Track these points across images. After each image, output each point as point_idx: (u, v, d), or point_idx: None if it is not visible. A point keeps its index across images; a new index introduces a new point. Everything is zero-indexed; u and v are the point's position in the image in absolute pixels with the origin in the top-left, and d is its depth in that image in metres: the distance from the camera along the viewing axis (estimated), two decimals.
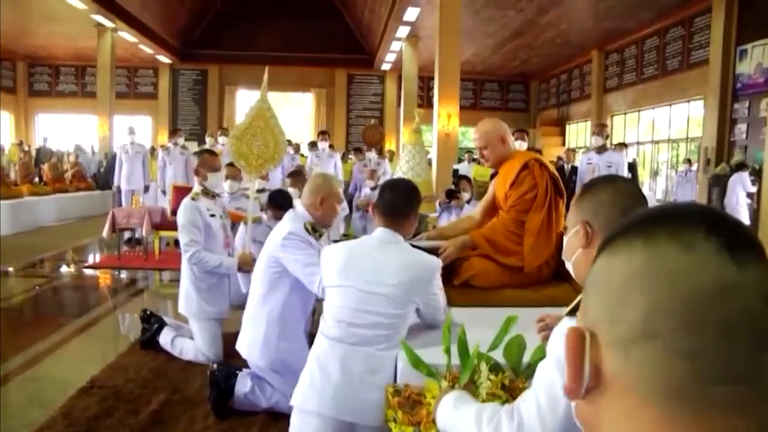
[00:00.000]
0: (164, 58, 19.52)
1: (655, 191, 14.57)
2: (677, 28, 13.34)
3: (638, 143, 15.61)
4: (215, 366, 3.31)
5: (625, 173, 6.47)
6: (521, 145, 6.62)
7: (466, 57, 18.06)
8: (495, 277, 2.93)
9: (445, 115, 12.02)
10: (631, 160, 8.83)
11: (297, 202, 3.48)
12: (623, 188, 1.44)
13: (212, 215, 4.03)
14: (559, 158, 12.55)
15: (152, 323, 4.35)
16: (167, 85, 20.70)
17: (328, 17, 19.64)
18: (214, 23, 19.97)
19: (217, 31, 19.84)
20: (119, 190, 9.44)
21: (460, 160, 14.14)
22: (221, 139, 9.83)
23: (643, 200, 1.46)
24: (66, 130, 19.92)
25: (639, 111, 15.37)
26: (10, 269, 7.38)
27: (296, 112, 21.99)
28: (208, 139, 10.36)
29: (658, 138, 14.97)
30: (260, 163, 5.11)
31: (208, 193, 4.12)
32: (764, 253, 0.54)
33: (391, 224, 2.29)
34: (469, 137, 22.83)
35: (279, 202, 4.80)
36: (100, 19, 14.62)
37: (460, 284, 2.90)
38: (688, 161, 12.17)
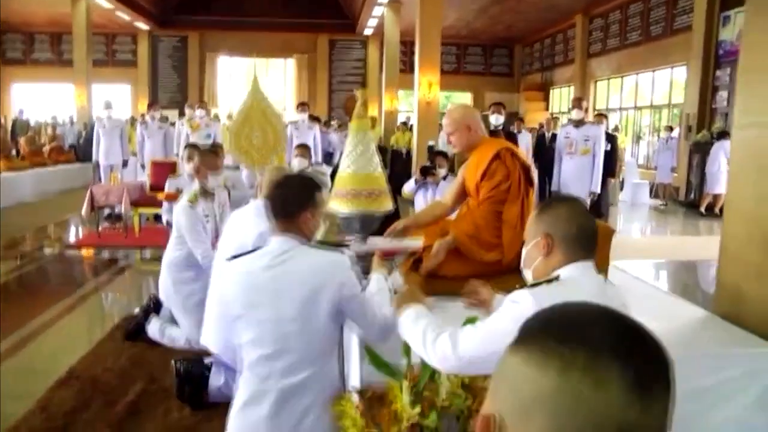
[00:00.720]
0: (143, 25, 19.06)
1: (637, 157, 14.63)
2: None
3: (621, 109, 15.61)
4: (179, 362, 3.31)
5: (602, 146, 6.47)
6: (497, 119, 6.60)
7: (449, 21, 17.81)
8: (457, 270, 2.94)
9: (426, 83, 11.95)
10: (611, 131, 8.82)
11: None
12: (579, 207, 1.65)
13: (206, 216, 4.05)
14: (541, 125, 12.54)
15: (149, 310, 4.35)
16: (146, 52, 20.28)
17: None
18: None
19: None
20: (98, 165, 9.34)
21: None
22: (198, 112, 9.70)
23: (593, 219, 1.65)
24: (43, 100, 19.49)
25: (622, 76, 15.32)
26: None
27: (279, 77, 21.67)
28: (187, 111, 10.20)
29: (640, 104, 14.97)
30: (263, 155, 5.08)
31: (206, 193, 4.11)
32: (670, 382, 0.59)
33: (287, 227, 1.99)
34: (452, 102, 22.71)
35: None
36: None
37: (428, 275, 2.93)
38: (670, 128, 12.19)
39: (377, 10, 16.54)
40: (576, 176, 6.51)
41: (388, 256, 2.64)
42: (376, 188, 2.85)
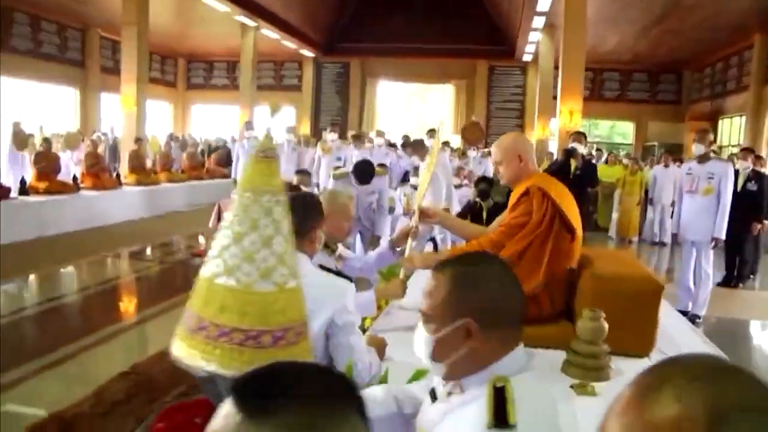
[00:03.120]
0: (308, 52, 20.49)
1: None
2: None
3: None
4: None
5: (730, 185, 5.70)
6: (578, 147, 6.16)
7: (610, 46, 16.96)
8: None
9: (567, 111, 11.42)
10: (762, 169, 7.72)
11: None
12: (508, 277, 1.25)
13: None
14: None
15: None
16: (311, 77, 21.68)
17: (468, 8, 19.44)
18: (355, 17, 20.61)
19: (358, 25, 20.46)
20: (235, 183, 10.12)
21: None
22: (330, 136, 10.17)
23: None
24: (216, 120, 21.75)
25: None
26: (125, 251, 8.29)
27: (437, 103, 22.04)
28: (324, 134, 10.77)
29: None
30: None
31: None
32: None
33: (296, 244, 2.15)
34: (594, 132, 21.37)
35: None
36: (243, 19, 15.76)
37: None
38: None
39: (533, 36, 16.26)
40: (697, 218, 5.81)
41: None
42: None
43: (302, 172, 5.98)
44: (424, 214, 3.00)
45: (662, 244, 10.20)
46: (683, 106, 19.02)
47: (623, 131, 21.03)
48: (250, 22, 16.19)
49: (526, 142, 3.04)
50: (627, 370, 2.41)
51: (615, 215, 10.76)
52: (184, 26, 18.30)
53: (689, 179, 5.93)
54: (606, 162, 12.22)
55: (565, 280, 2.76)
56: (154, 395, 3.70)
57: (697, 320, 5.98)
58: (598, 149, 13.59)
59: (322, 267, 2.24)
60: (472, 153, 10.65)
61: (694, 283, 6.02)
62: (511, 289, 1.22)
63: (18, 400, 3.68)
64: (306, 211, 2.13)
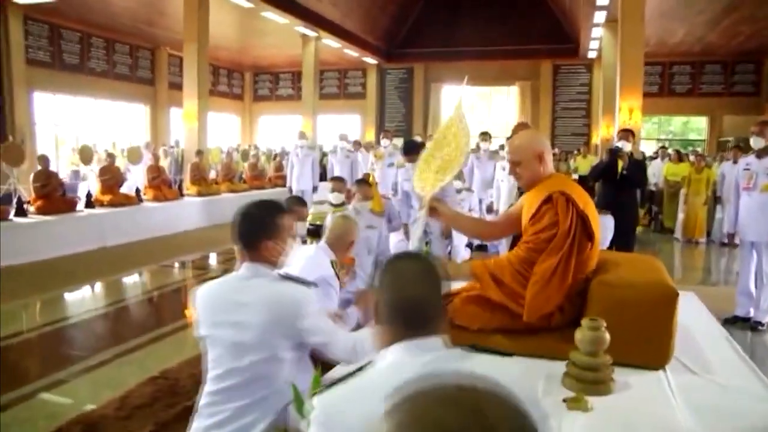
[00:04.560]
0: (371, 60, 20.67)
1: None
2: None
3: None
4: None
5: None
6: (624, 146, 5.83)
7: (678, 38, 16.21)
8: (481, 321, 2.62)
9: (627, 108, 10.96)
10: None
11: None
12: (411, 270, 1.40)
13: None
14: None
15: None
16: (374, 84, 21.87)
17: (531, 8, 19.13)
18: (417, 23, 20.65)
19: (420, 31, 20.50)
20: (290, 190, 10.33)
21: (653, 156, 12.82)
22: (383, 142, 10.21)
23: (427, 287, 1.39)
24: (283, 130, 22.24)
25: None
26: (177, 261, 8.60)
27: (502, 106, 21.75)
28: (382, 141, 10.80)
29: None
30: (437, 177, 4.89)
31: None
32: None
33: (251, 256, 2.08)
34: (666, 129, 20.34)
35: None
36: (303, 30, 16.07)
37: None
38: None
39: (596, 32, 15.79)
40: (755, 217, 5.40)
41: None
42: None
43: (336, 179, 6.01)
44: (433, 211, 2.86)
45: (732, 245, 9.58)
46: (762, 98, 17.87)
47: (698, 127, 19.98)
48: (311, 33, 16.49)
49: (545, 140, 2.83)
50: (634, 384, 2.25)
51: (681, 215, 10.19)
52: (247, 40, 18.89)
53: (747, 175, 5.53)
54: (671, 159, 11.63)
55: (579, 289, 2.59)
56: (176, 400, 3.81)
57: (760, 327, 5.57)
58: (662, 147, 12.96)
59: (286, 276, 2.18)
60: None
61: (756, 287, 5.61)
62: (393, 284, 1.36)
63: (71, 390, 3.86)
64: (252, 225, 2.12)
